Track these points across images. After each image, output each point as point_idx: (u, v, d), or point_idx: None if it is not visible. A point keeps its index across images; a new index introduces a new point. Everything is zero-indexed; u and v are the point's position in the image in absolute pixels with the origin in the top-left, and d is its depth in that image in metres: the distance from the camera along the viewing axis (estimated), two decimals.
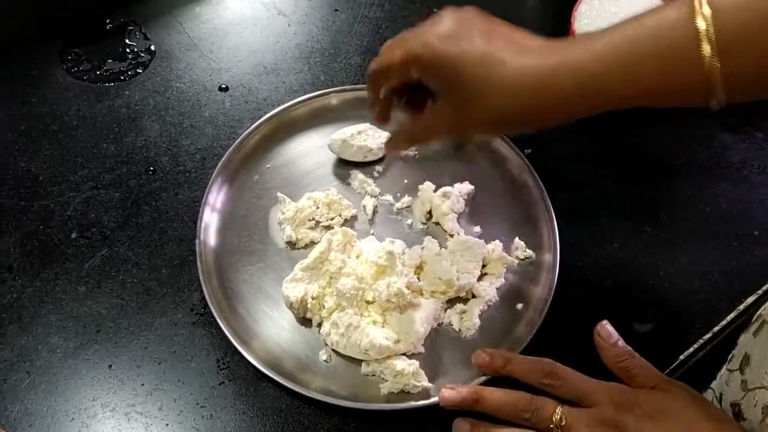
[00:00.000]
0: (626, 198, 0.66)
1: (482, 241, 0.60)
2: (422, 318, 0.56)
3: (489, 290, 0.59)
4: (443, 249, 0.60)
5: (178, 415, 0.53)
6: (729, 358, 0.52)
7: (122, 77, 0.70)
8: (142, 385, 0.54)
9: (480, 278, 0.60)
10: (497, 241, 0.61)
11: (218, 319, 0.55)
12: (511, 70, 0.43)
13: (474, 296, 0.59)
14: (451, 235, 0.62)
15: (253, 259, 0.60)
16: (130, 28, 0.74)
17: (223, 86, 0.70)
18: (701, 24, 0.39)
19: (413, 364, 0.54)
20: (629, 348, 0.51)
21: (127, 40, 0.73)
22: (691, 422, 0.45)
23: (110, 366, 0.55)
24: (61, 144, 0.65)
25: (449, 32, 0.45)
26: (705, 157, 0.69)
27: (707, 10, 0.39)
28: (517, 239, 0.61)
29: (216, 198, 0.62)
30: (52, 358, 0.55)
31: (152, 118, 0.68)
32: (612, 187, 0.66)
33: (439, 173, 0.65)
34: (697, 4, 0.39)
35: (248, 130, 0.65)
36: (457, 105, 0.46)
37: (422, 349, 0.56)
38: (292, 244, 0.61)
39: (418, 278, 0.59)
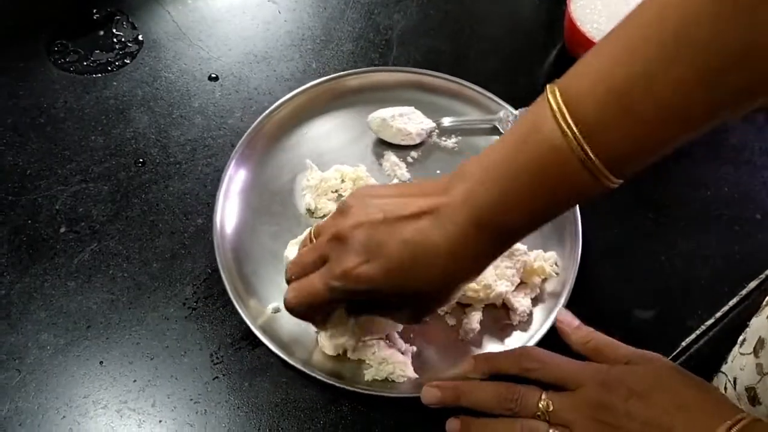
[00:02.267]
0: (625, 183, 0.64)
1: (525, 247, 0.57)
2: None
3: (524, 302, 0.56)
4: None
5: (172, 411, 0.52)
6: (741, 342, 0.51)
7: (110, 68, 0.69)
8: (134, 381, 0.53)
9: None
10: (540, 251, 0.58)
11: (223, 276, 0.55)
12: (435, 258, 0.43)
13: (506, 307, 0.56)
14: None
15: (271, 220, 0.60)
16: (117, 17, 0.72)
17: (213, 75, 0.69)
18: (560, 119, 0.38)
19: (397, 355, 0.53)
20: (590, 328, 0.51)
21: (114, 30, 0.71)
22: (677, 391, 0.44)
23: (101, 362, 0.54)
24: (49, 137, 0.64)
25: (363, 252, 0.44)
26: (706, 140, 0.68)
27: (561, 105, 0.38)
28: (552, 253, 0.58)
29: (250, 152, 0.62)
30: (42, 355, 0.54)
31: (141, 109, 0.66)
32: None
33: None
34: (551, 98, 0.39)
35: (295, 91, 0.65)
36: (406, 310, 0.47)
37: (403, 345, 0.55)
38: (310, 212, 0.60)
39: None
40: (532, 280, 0.57)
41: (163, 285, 0.57)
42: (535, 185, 0.40)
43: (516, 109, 0.66)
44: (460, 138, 0.66)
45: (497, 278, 0.55)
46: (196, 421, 0.52)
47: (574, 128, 0.38)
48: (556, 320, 0.53)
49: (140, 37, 0.71)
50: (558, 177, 0.40)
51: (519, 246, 0.56)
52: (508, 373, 0.50)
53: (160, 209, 0.61)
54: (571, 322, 0.52)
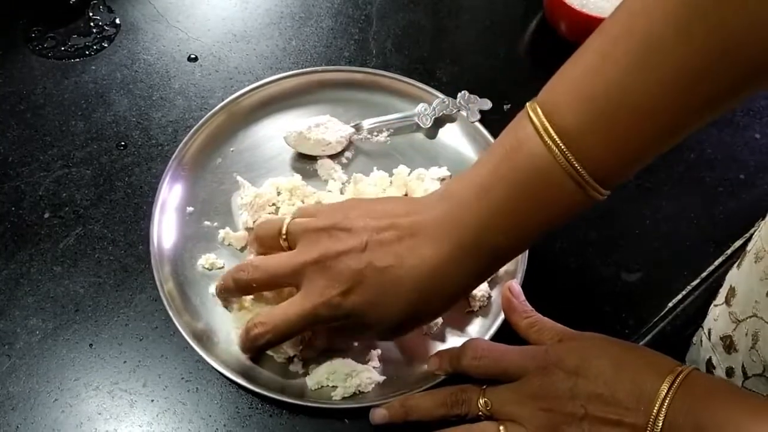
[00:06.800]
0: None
1: None
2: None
3: (481, 286, 0.55)
4: None
5: (163, 390, 0.52)
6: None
7: (88, 52, 0.68)
8: (125, 362, 0.53)
9: None
10: None
11: (169, 311, 0.53)
12: (410, 280, 0.44)
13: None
14: None
15: (210, 245, 0.58)
16: (94, 1, 0.71)
17: (192, 56, 0.68)
18: (543, 133, 0.39)
19: (357, 365, 0.52)
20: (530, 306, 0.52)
21: (90, 14, 0.70)
22: (612, 355, 0.44)
23: (91, 345, 0.54)
24: (29, 123, 0.64)
25: (344, 281, 0.45)
26: None
27: (543, 119, 0.39)
28: None
29: (175, 180, 0.60)
30: (31, 340, 0.54)
31: (121, 92, 0.66)
32: None
33: (412, 159, 0.62)
34: (533, 115, 0.39)
35: (211, 111, 0.62)
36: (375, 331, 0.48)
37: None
38: (250, 230, 0.58)
39: None
40: None
41: (150, 266, 0.57)
42: (521, 203, 0.41)
43: (445, 95, 0.64)
44: (390, 132, 0.64)
45: None
46: (188, 399, 0.52)
47: (558, 141, 0.38)
48: (505, 291, 0.52)
49: (117, 20, 0.70)
50: (544, 192, 0.40)
51: None
52: (460, 368, 0.49)
53: (144, 191, 0.60)
54: (519, 294, 0.52)
